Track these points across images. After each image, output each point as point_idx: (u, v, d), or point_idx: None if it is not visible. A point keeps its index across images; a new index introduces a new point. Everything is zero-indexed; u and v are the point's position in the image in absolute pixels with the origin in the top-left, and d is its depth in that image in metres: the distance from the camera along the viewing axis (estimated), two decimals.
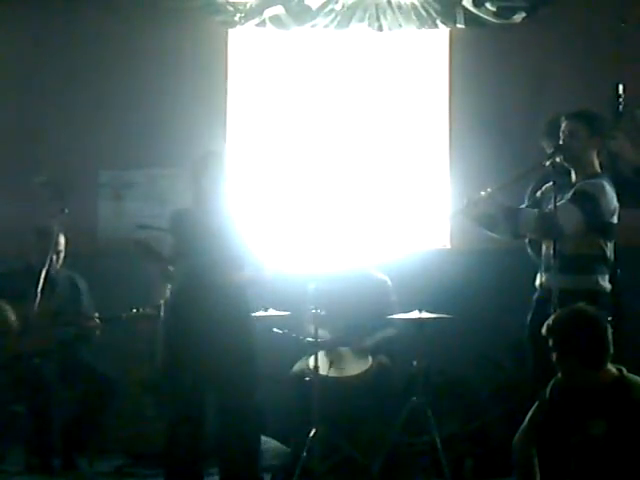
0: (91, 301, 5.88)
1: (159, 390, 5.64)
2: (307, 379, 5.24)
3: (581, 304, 3.62)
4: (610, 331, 3.52)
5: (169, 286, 5.68)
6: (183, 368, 4.59)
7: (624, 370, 3.54)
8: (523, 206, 4.60)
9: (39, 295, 5.35)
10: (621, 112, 4.72)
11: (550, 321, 3.59)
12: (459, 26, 6.45)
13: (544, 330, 3.57)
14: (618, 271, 4.58)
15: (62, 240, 5.75)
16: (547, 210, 4.35)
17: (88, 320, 5.70)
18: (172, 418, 4.75)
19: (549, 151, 4.54)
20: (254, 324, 4.84)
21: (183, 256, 4.70)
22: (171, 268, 4.78)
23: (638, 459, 3.34)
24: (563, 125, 4.41)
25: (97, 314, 5.70)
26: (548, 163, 4.30)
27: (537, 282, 4.51)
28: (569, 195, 4.34)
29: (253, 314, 4.85)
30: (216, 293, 4.57)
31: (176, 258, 4.73)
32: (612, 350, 3.50)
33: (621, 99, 4.72)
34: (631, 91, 4.93)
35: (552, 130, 4.72)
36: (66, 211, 5.57)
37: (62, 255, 5.77)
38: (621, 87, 4.73)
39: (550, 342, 3.53)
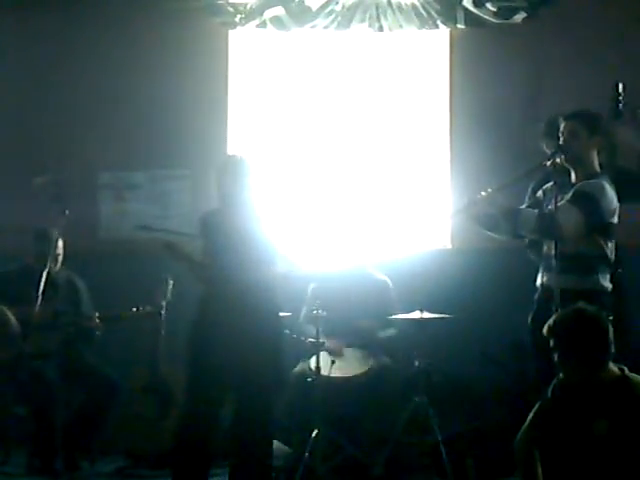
0: (91, 302, 5.88)
1: (156, 390, 5.66)
2: (309, 380, 5.25)
3: (582, 304, 3.62)
4: (611, 331, 3.52)
5: (170, 287, 5.73)
6: (211, 367, 4.59)
7: (626, 370, 3.54)
8: (523, 206, 4.60)
9: (40, 297, 5.35)
10: (621, 111, 4.71)
11: (551, 321, 3.59)
12: (459, 26, 6.45)
13: (545, 330, 3.57)
14: (619, 271, 4.58)
15: (60, 243, 5.75)
16: (547, 210, 4.35)
17: (88, 320, 5.70)
18: (187, 413, 4.73)
19: (548, 152, 4.54)
20: (282, 323, 4.85)
21: (213, 257, 4.72)
22: (204, 270, 4.79)
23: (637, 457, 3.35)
24: (562, 125, 4.41)
25: (97, 314, 5.69)
26: (549, 163, 4.30)
27: (538, 282, 4.51)
28: (569, 195, 4.34)
29: (282, 313, 4.85)
30: (247, 293, 4.59)
31: (208, 259, 4.75)
32: (613, 350, 3.51)
33: (621, 98, 4.71)
34: (633, 91, 4.94)
35: (551, 131, 4.72)
36: (67, 212, 5.57)
37: (60, 258, 5.77)
38: (621, 86, 4.73)
39: (551, 342, 3.53)
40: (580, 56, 6.25)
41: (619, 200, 4.36)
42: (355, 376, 5.44)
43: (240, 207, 4.75)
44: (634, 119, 5.80)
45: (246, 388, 4.65)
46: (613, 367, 3.52)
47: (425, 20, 6.48)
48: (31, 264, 5.65)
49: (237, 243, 4.62)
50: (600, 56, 6.13)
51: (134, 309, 5.68)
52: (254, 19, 6.59)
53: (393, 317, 5.51)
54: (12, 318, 5.45)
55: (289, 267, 4.80)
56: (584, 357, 3.47)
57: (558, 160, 4.30)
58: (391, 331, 5.68)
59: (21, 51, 6.79)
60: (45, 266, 5.50)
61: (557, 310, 3.90)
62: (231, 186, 4.75)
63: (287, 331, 5.25)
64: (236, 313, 4.55)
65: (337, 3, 6.52)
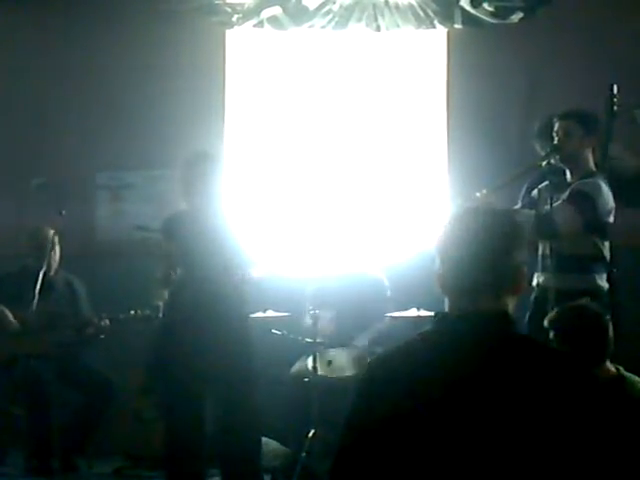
0: (89, 303, 5.88)
1: (155, 391, 5.65)
2: (306, 380, 5.25)
3: (585, 300, 3.64)
4: (611, 330, 3.53)
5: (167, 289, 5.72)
6: (180, 368, 4.58)
7: (621, 369, 3.55)
8: (518, 206, 4.60)
9: (36, 297, 5.35)
10: (616, 113, 4.71)
11: (553, 314, 3.61)
12: (457, 26, 6.44)
13: (546, 322, 3.58)
14: (614, 270, 4.58)
15: (57, 245, 5.74)
16: (543, 210, 4.35)
17: (88, 322, 5.69)
18: (170, 419, 4.75)
19: (542, 152, 4.54)
20: (251, 324, 4.83)
21: (180, 258, 4.70)
22: (169, 271, 4.78)
23: (636, 457, 3.34)
24: (557, 125, 4.41)
25: (100, 317, 5.67)
26: (544, 163, 4.30)
27: (534, 282, 4.51)
28: (565, 195, 4.34)
29: (251, 315, 4.84)
30: (214, 294, 4.57)
31: (174, 261, 4.73)
32: (612, 349, 3.51)
33: (616, 99, 4.71)
34: (629, 92, 4.93)
35: (544, 131, 4.72)
36: (63, 213, 5.57)
37: (57, 259, 5.76)
38: (615, 88, 4.72)
39: (551, 334, 3.53)
40: (577, 56, 6.24)
41: (615, 201, 4.36)
42: (352, 376, 5.43)
43: (208, 207, 4.68)
44: (632, 120, 5.80)
45: (222, 389, 4.65)
46: (609, 366, 3.53)
47: (422, 20, 6.47)
48: (29, 266, 5.65)
49: (205, 245, 4.57)
50: (596, 57, 6.12)
51: (132, 312, 5.67)
52: (251, 19, 6.58)
53: (389, 315, 5.51)
54: (11, 318, 5.46)
55: (257, 269, 4.77)
56: (583, 352, 3.47)
57: (553, 160, 4.30)
58: (382, 325, 5.65)
59: (17, 51, 6.79)
60: (41, 267, 5.50)
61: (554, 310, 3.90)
62: (199, 184, 4.67)
63: (284, 332, 5.25)
64: (203, 315, 4.53)
65: (334, 3, 6.52)
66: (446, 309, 2.11)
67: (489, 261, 2.04)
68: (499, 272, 2.05)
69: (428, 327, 2.15)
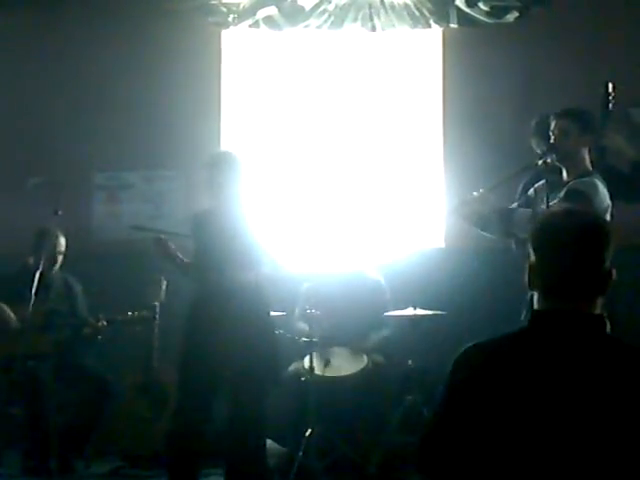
0: (86, 303, 5.88)
1: (154, 391, 5.66)
2: (303, 379, 5.26)
3: None
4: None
5: (164, 287, 5.73)
6: (201, 367, 4.59)
7: None
8: (515, 204, 4.61)
9: (33, 297, 5.35)
10: (611, 111, 4.71)
11: None
12: (452, 26, 6.46)
13: None
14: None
15: (63, 241, 5.75)
16: (540, 209, 4.36)
17: (86, 323, 5.69)
18: (179, 414, 4.74)
19: (538, 151, 4.54)
20: (274, 322, 4.85)
21: (202, 257, 4.73)
22: (190, 269, 4.79)
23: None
24: (553, 124, 4.40)
25: (98, 318, 5.67)
26: (540, 162, 4.31)
27: None
28: (561, 194, 4.34)
29: (272, 312, 4.85)
30: (235, 292, 4.59)
31: (198, 259, 4.75)
32: None
33: (610, 97, 4.71)
34: (623, 91, 4.94)
35: (540, 130, 4.72)
36: (60, 213, 5.56)
37: (61, 257, 5.77)
38: (610, 86, 4.72)
39: None
40: (572, 55, 6.25)
41: (611, 198, 4.36)
42: (349, 375, 5.44)
43: (230, 205, 4.74)
44: (627, 119, 5.81)
45: (239, 388, 4.66)
46: None
47: (418, 19, 6.48)
48: (29, 265, 5.65)
49: (225, 243, 4.61)
50: (591, 56, 6.14)
51: (130, 313, 5.67)
52: (247, 19, 6.59)
53: (387, 315, 5.52)
54: (12, 316, 5.46)
55: (276, 268, 4.80)
56: None
57: (549, 159, 4.30)
58: (385, 331, 5.69)
59: (14, 52, 6.79)
60: (39, 266, 5.49)
61: None
62: (221, 182, 4.74)
63: (281, 331, 5.26)
64: (226, 313, 4.55)
65: (330, 3, 6.53)
66: (535, 306, 2.20)
67: (589, 267, 2.16)
68: (596, 277, 2.17)
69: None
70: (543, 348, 2.11)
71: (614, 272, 2.21)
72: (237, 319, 4.54)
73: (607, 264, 2.19)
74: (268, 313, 4.76)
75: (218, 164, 4.76)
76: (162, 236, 4.87)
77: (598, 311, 2.17)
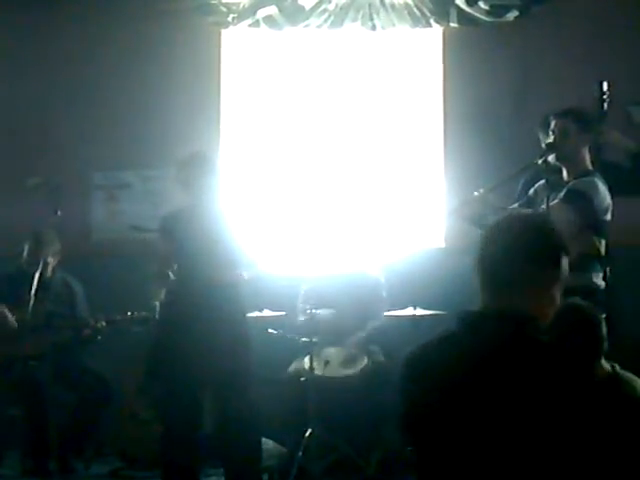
0: (86, 304, 5.87)
1: (151, 391, 5.64)
2: (303, 379, 5.25)
3: (576, 299, 3.62)
4: (605, 328, 3.52)
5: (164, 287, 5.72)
6: (177, 368, 4.58)
7: (617, 367, 3.54)
8: (515, 205, 4.60)
9: (32, 298, 5.34)
10: (606, 110, 4.70)
11: None
12: (452, 25, 6.44)
13: None
14: (608, 269, 4.57)
15: (57, 246, 5.74)
16: (540, 209, 4.35)
17: (85, 323, 5.68)
18: (167, 419, 4.75)
19: (544, 143, 4.53)
20: (249, 323, 4.84)
21: (178, 257, 4.71)
22: (166, 269, 4.78)
23: (631, 456, 3.34)
24: (553, 124, 4.40)
25: (97, 319, 5.66)
26: (540, 162, 4.30)
27: None
28: (562, 194, 4.33)
29: (248, 314, 4.85)
30: (211, 293, 4.58)
31: (170, 259, 4.74)
32: (606, 347, 3.50)
33: (605, 97, 4.71)
34: (623, 90, 4.93)
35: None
36: (59, 213, 5.56)
37: (55, 260, 5.75)
38: (605, 85, 4.72)
39: None
40: (571, 54, 6.24)
41: (611, 196, 4.36)
42: (348, 375, 5.43)
43: (207, 205, 4.71)
44: (627, 118, 5.80)
45: (220, 388, 4.65)
46: (604, 364, 3.52)
47: (418, 19, 6.47)
48: (26, 267, 5.64)
49: (203, 244, 4.59)
50: (591, 55, 6.12)
51: (129, 313, 5.66)
52: (247, 18, 6.58)
53: (386, 314, 5.51)
54: (11, 317, 5.45)
55: (255, 269, 4.78)
56: (575, 351, 3.45)
57: (549, 159, 4.29)
58: (376, 322, 5.65)
59: (12, 52, 6.78)
60: (38, 268, 5.49)
61: None
62: (195, 183, 4.71)
63: (280, 331, 5.25)
64: (201, 314, 4.54)
65: (330, 2, 6.52)
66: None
67: (510, 261, 2.14)
68: (518, 273, 2.14)
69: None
70: (460, 348, 2.15)
71: (563, 263, 2.17)
72: (214, 319, 4.52)
73: (541, 265, 2.15)
74: (244, 314, 4.75)
75: (194, 164, 4.73)
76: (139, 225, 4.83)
77: (540, 302, 2.15)
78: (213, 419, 4.85)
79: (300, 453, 5.00)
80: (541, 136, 4.96)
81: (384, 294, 5.78)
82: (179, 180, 4.76)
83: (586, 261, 4.35)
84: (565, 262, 2.20)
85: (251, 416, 4.68)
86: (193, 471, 4.75)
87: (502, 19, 6.35)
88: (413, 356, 2.25)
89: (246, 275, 4.74)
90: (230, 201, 4.82)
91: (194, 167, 4.72)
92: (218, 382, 4.65)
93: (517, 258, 2.15)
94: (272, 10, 6.54)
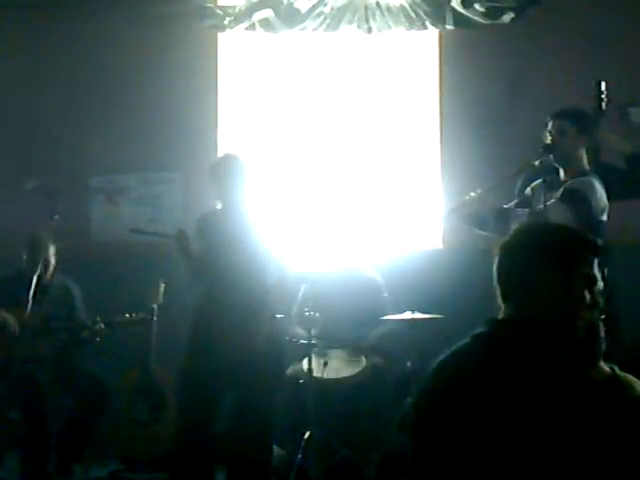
0: (85, 306, 5.87)
1: (153, 394, 5.65)
2: (301, 381, 5.25)
3: None
4: (603, 328, 3.52)
5: (162, 290, 5.72)
6: (206, 370, 4.59)
7: (616, 368, 3.54)
8: (512, 204, 4.61)
9: (30, 301, 5.34)
10: (603, 110, 4.72)
11: None
12: (448, 27, 6.45)
13: None
14: (605, 270, 4.58)
15: (52, 249, 5.73)
16: (537, 209, 4.36)
17: (83, 326, 5.69)
18: (185, 420, 4.73)
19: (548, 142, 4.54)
20: (279, 326, 4.85)
21: (209, 259, 4.73)
22: (201, 270, 4.80)
23: (631, 457, 3.34)
24: (550, 124, 4.41)
25: (95, 321, 5.66)
26: (537, 162, 4.32)
27: None
28: (559, 194, 4.35)
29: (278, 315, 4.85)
30: (242, 295, 4.59)
31: (203, 261, 4.75)
32: (604, 348, 3.50)
33: (603, 96, 4.72)
34: (620, 90, 4.95)
35: None
36: (56, 217, 5.55)
37: (52, 263, 5.75)
38: (603, 85, 4.73)
39: None
40: (569, 56, 6.25)
41: (608, 198, 4.37)
42: (347, 377, 5.43)
43: (235, 208, 4.75)
44: (625, 118, 5.81)
45: (246, 391, 4.66)
46: (603, 366, 3.52)
47: (414, 21, 6.48)
48: (24, 270, 5.64)
49: (233, 245, 4.61)
50: (588, 55, 6.14)
51: (127, 315, 5.67)
52: (243, 22, 6.59)
53: (385, 318, 5.51)
54: (11, 320, 5.45)
55: (285, 273, 4.80)
56: (576, 353, 3.46)
57: (547, 159, 4.31)
58: (382, 329, 5.67)
59: (10, 55, 6.78)
60: (36, 271, 5.49)
61: None
62: (226, 186, 4.75)
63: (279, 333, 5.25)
64: (233, 316, 4.55)
65: (326, 5, 6.53)
66: None
67: (513, 271, 2.21)
68: (522, 282, 2.20)
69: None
70: (472, 355, 2.23)
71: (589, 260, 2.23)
72: (244, 322, 4.54)
73: (546, 272, 2.20)
74: (274, 316, 4.76)
75: (224, 168, 4.77)
76: (184, 230, 4.83)
77: (535, 316, 2.20)
78: (228, 419, 4.84)
79: (299, 455, 5.00)
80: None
81: (385, 295, 5.78)
82: (211, 180, 4.80)
83: None
84: (592, 259, 2.23)
85: (269, 420, 4.69)
86: (207, 473, 4.74)
87: (498, 21, 6.36)
88: (443, 362, 2.32)
89: (276, 281, 4.76)
90: (259, 203, 4.83)
91: (224, 168, 4.75)
92: (243, 384, 4.65)
93: (535, 264, 2.20)
94: (268, 13, 6.55)
